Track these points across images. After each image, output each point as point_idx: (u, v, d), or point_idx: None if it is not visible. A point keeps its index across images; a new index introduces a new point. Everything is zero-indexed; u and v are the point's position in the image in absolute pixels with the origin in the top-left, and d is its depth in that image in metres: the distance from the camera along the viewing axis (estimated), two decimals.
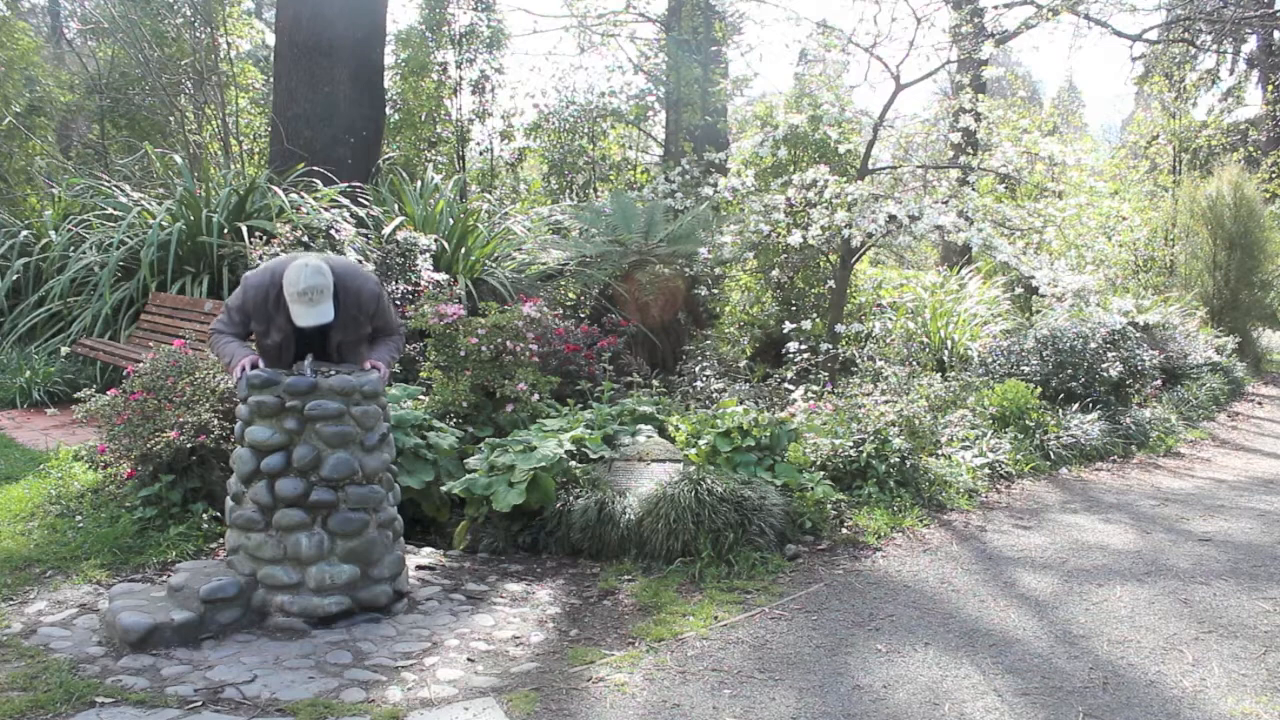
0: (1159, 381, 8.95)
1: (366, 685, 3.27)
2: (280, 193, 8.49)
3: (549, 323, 6.86)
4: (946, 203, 8.48)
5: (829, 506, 5.15)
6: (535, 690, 3.26)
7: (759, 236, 9.30)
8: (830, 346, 8.25)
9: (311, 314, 3.81)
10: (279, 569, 3.76)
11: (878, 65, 9.42)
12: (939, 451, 6.35)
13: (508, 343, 6.20)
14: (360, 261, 7.82)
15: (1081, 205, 9.46)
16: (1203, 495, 6.32)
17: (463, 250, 8.89)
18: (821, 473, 5.52)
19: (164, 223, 8.53)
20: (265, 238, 7.72)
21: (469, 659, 3.53)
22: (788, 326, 8.43)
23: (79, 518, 4.71)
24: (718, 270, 9.83)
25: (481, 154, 14.43)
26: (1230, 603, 4.17)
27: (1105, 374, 8.03)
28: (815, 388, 7.17)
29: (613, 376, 7.23)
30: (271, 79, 11.69)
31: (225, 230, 8.27)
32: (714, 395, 7.19)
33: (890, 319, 9.45)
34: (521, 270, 9.15)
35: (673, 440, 5.93)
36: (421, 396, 5.99)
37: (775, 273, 9.79)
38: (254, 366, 3.88)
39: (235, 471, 3.88)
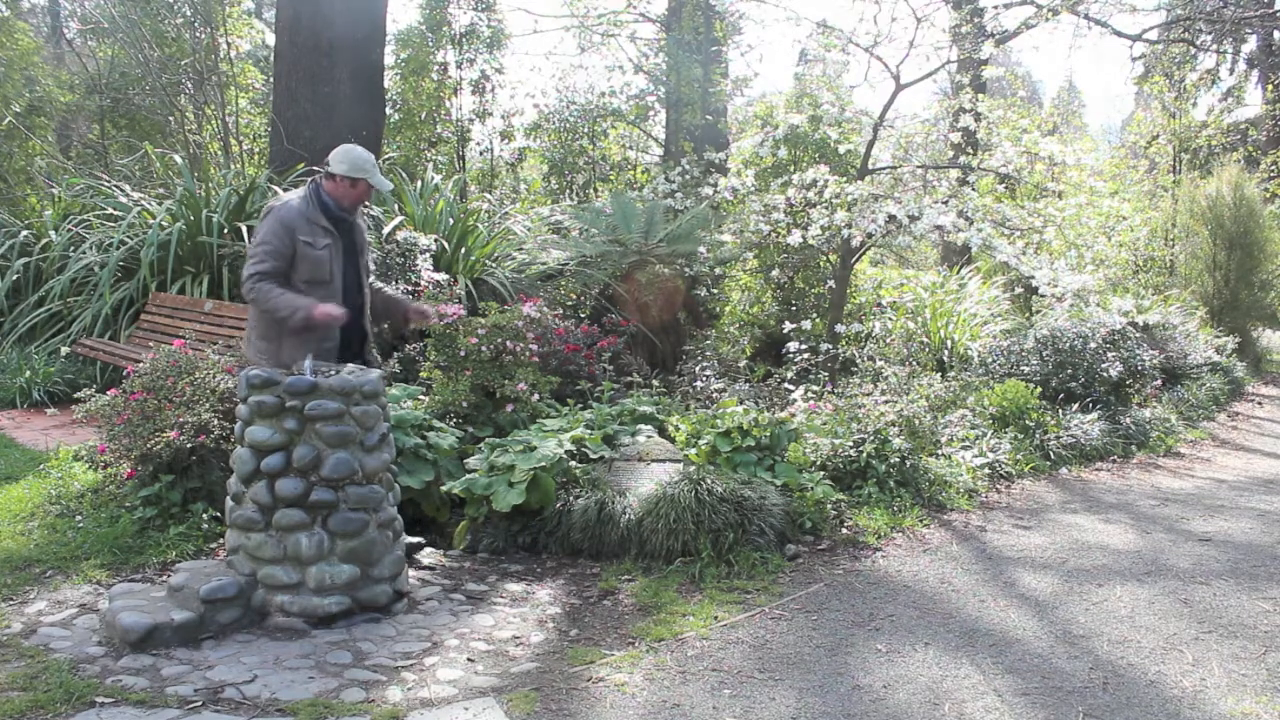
0: (1159, 381, 8.95)
1: (366, 685, 3.27)
2: (280, 192, 8.49)
3: (549, 323, 6.86)
4: (946, 203, 8.48)
5: (829, 506, 5.15)
6: (535, 690, 3.26)
7: (759, 236, 9.31)
8: (830, 346, 8.25)
9: (385, 180, 4.49)
10: (279, 569, 3.76)
11: (878, 65, 9.40)
12: (939, 451, 6.35)
13: (508, 343, 6.20)
14: None
15: (1081, 205, 9.47)
16: (1203, 495, 6.33)
17: (463, 250, 8.89)
18: (821, 473, 5.52)
19: (164, 223, 8.53)
20: None
21: (469, 659, 3.53)
22: (788, 326, 8.43)
23: (79, 518, 4.71)
24: (718, 270, 9.83)
25: (481, 154, 14.43)
26: (1230, 603, 4.18)
27: (1105, 374, 8.03)
28: (815, 388, 7.17)
29: (613, 376, 7.23)
30: (271, 79, 11.69)
31: (225, 230, 8.26)
32: (714, 395, 7.19)
33: (890, 319, 9.45)
34: (521, 270, 9.14)
35: (673, 440, 5.93)
36: (421, 396, 5.99)
37: (775, 273, 9.80)
38: (323, 316, 4.06)
39: (235, 471, 3.88)
